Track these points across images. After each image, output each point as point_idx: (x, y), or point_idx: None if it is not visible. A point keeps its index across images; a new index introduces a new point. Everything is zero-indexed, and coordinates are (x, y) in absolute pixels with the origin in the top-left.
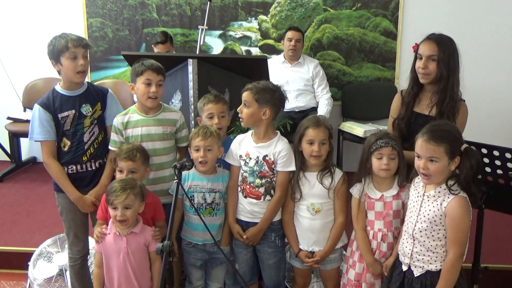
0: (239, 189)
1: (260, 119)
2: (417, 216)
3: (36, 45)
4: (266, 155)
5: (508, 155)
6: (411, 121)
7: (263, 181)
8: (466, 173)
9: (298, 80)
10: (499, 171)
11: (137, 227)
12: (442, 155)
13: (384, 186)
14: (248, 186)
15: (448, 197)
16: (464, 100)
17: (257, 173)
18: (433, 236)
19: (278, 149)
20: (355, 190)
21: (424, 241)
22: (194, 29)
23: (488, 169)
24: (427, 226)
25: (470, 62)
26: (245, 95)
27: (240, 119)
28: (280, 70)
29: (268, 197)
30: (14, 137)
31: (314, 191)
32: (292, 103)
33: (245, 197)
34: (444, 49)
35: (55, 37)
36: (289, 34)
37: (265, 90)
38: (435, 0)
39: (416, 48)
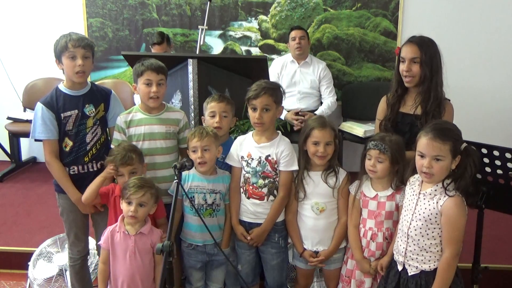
0: (242, 190)
1: (275, 119)
2: (412, 215)
3: (36, 45)
4: (269, 155)
5: (508, 155)
6: (398, 121)
7: (266, 181)
8: (471, 171)
9: (304, 82)
10: (499, 171)
11: (146, 228)
12: (447, 153)
13: (381, 186)
14: (251, 187)
15: (445, 196)
16: (449, 100)
17: (260, 173)
18: (427, 234)
19: (281, 148)
20: (353, 187)
21: (419, 239)
22: (194, 29)
23: (488, 169)
24: (422, 224)
25: (470, 62)
26: (266, 100)
27: (259, 125)
28: (288, 70)
29: (271, 198)
30: (14, 137)
31: (319, 190)
32: (294, 105)
33: (248, 198)
34: (426, 51)
35: (60, 36)
36: (292, 33)
37: (277, 89)
38: (435, 0)
39: (398, 51)
